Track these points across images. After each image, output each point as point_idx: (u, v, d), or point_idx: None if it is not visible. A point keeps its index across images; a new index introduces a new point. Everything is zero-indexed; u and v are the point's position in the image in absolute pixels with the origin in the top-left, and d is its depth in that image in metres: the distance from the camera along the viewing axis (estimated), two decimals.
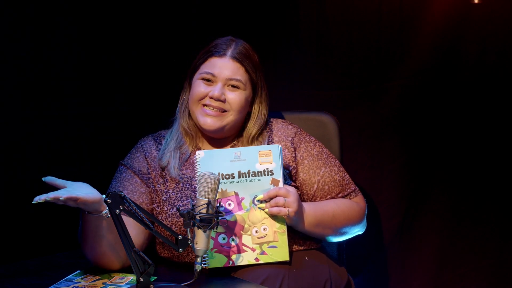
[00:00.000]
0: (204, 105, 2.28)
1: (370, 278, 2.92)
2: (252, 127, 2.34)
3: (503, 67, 2.64)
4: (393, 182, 2.86)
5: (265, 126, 2.37)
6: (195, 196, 2.01)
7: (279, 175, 2.14)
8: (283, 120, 2.42)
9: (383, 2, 2.78)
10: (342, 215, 2.27)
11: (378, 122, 2.86)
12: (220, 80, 2.28)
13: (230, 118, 2.29)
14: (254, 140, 2.34)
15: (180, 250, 1.98)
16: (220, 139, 2.35)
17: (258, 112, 2.36)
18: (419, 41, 2.75)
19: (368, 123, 2.88)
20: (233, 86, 2.29)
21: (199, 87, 2.29)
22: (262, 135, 2.36)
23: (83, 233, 2.09)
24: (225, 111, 2.28)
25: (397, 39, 2.79)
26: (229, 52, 2.29)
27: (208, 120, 2.28)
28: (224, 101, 2.28)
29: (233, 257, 2.11)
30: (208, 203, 1.96)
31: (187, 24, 3.01)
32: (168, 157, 2.29)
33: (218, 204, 1.99)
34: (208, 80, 2.29)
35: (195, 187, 2.22)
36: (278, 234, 2.13)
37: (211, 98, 2.27)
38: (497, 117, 2.67)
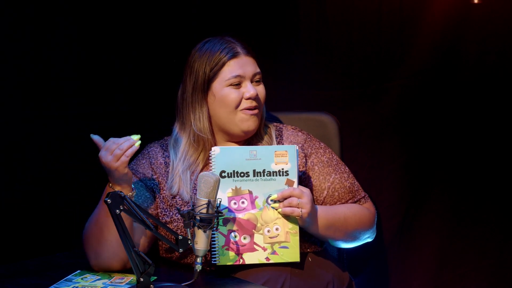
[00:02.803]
0: (242, 109, 2.24)
1: (370, 278, 2.92)
2: (262, 118, 2.34)
3: (503, 67, 2.63)
4: (393, 182, 2.86)
5: (276, 131, 2.37)
6: (195, 196, 2.01)
7: (294, 176, 2.13)
8: (292, 126, 2.41)
9: (383, 2, 2.78)
10: (353, 219, 2.26)
11: (378, 122, 2.86)
12: (247, 79, 2.26)
13: (260, 113, 2.29)
14: (264, 128, 2.33)
15: (180, 250, 1.97)
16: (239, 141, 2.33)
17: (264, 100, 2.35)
18: (419, 41, 2.75)
19: (368, 123, 2.88)
20: (257, 80, 2.28)
21: (231, 95, 2.24)
22: (268, 126, 2.35)
23: (91, 228, 2.10)
24: (257, 107, 2.27)
25: (397, 39, 2.79)
26: (240, 50, 2.27)
27: (250, 123, 2.26)
28: (258, 98, 2.27)
29: (244, 255, 2.11)
30: (208, 203, 1.96)
31: (187, 24, 3.01)
32: (178, 182, 2.24)
33: (218, 204, 1.99)
34: (236, 84, 2.24)
35: None
36: (290, 235, 2.13)
37: (248, 99, 2.24)
38: (497, 117, 2.67)
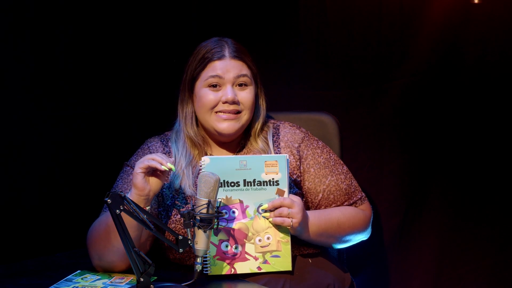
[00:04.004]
0: (217, 111, 2.22)
1: (370, 278, 2.92)
2: (257, 122, 2.31)
3: (503, 67, 2.64)
4: (393, 182, 2.86)
5: (273, 129, 2.34)
6: (196, 196, 2.01)
7: (284, 186, 2.12)
8: (290, 124, 2.38)
9: (383, 2, 2.78)
10: (347, 224, 2.25)
11: (378, 122, 2.86)
12: (228, 82, 2.22)
13: (245, 117, 2.25)
14: (260, 134, 2.31)
15: (180, 250, 1.97)
16: (229, 141, 2.31)
17: (262, 105, 2.32)
18: (419, 41, 2.76)
19: (368, 123, 2.88)
20: (241, 84, 2.24)
21: (208, 96, 2.22)
22: (264, 130, 2.33)
23: (99, 230, 2.09)
24: (239, 112, 2.24)
25: (397, 39, 2.79)
26: (227, 53, 2.23)
27: (225, 125, 2.22)
28: (238, 102, 2.23)
29: (236, 265, 2.10)
30: (208, 203, 1.96)
31: (187, 25, 3.01)
32: (181, 176, 2.22)
33: (218, 204, 1.99)
34: (215, 85, 2.22)
35: None
36: (281, 244, 2.12)
37: (224, 102, 2.21)
38: (497, 117, 2.67)
